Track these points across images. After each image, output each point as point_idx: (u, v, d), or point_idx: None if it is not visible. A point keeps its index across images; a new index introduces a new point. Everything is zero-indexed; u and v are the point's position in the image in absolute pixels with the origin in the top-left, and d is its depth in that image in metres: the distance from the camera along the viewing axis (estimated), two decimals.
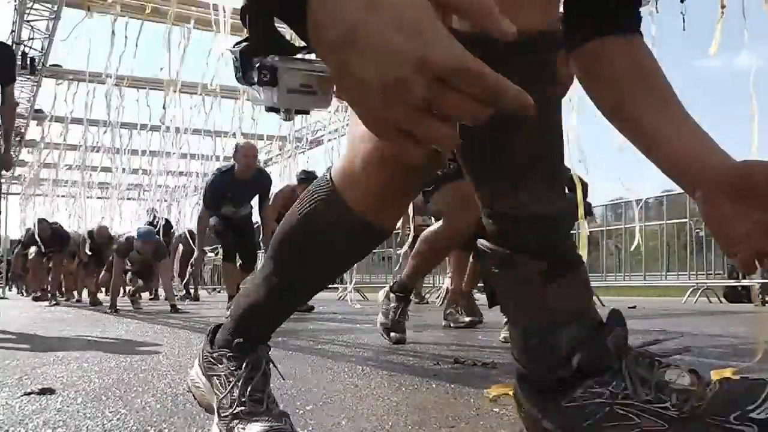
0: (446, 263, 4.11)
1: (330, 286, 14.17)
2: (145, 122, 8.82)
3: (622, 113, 0.93)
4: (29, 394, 1.50)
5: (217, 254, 10.91)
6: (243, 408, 0.91)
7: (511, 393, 1.37)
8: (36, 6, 6.42)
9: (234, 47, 0.71)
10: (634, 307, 5.76)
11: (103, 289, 8.21)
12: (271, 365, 0.98)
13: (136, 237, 6.25)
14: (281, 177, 9.18)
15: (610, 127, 0.96)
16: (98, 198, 14.03)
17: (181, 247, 9.63)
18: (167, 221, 9.83)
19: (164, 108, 7.61)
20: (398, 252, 11.56)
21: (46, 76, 7.84)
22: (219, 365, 0.96)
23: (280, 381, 1.68)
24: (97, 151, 9.65)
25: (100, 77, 6.70)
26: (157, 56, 8.25)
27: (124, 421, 1.20)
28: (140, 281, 7.20)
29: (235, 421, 0.90)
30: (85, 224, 9.18)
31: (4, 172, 4.08)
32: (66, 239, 8.76)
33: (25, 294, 13.54)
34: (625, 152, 5.93)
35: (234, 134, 8.25)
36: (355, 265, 7.67)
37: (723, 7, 2.07)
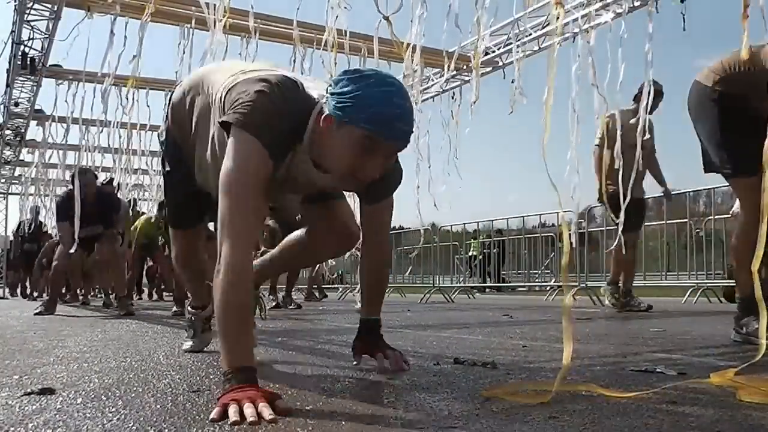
0: None
1: (330, 286, 14.20)
2: (144, 122, 8.76)
3: None
4: (29, 394, 1.50)
5: None
6: None
7: (505, 394, 1.37)
8: (36, 6, 6.41)
9: None
10: None
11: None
12: None
13: None
14: None
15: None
16: None
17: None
18: None
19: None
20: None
21: (46, 76, 7.82)
22: None
23: (280, 381, 1.68)
24: (98, 152, 9.62)
25: (97, 77, 6.66)
26: (158, 56, 8.23)
27: (124, 421, 1.20)
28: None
29: None
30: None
31: (3, 171, 4.06)
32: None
33: (19, 296, 12.30)
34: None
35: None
36: (357, 266, 7.67)
37: (746, 17, 2.04)
